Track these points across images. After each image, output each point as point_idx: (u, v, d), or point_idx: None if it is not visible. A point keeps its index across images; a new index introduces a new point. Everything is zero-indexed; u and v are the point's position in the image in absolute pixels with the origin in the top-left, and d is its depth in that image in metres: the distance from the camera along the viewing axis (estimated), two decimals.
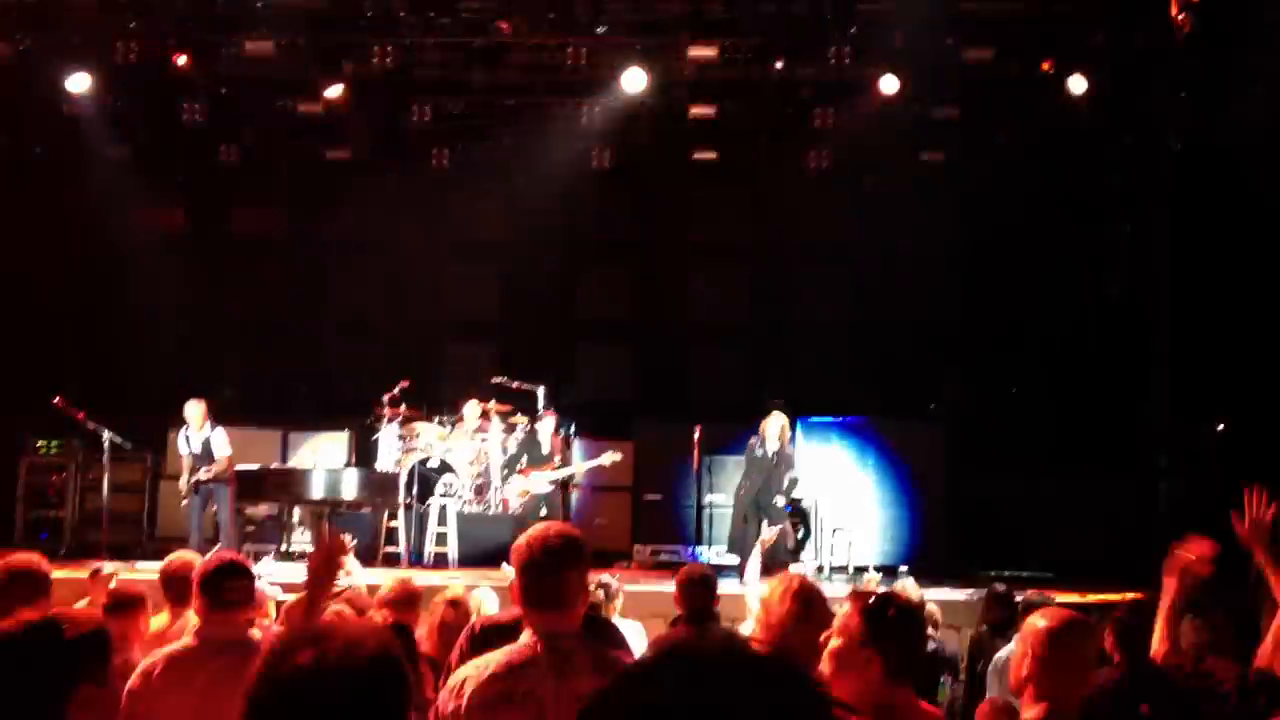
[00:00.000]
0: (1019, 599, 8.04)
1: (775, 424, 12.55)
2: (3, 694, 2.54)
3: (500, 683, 3.34)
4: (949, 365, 15.59)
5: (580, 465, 13.59)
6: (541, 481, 13.02)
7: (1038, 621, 3.67)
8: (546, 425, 13.31)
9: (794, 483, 12.88)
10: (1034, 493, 14.24)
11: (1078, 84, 13.48)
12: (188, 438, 12.58)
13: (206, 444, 12.50)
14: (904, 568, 12.44)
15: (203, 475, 12.40)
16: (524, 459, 13.25)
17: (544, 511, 12.59)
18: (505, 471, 13.53)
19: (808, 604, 3.81)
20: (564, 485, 13.42)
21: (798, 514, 13.45)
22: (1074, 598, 10.01)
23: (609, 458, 13.42)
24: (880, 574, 10.42)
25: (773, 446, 12.51)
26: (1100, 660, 4.56)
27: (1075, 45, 13.56)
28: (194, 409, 12.56)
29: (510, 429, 13.79)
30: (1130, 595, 8.94)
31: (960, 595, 10.56)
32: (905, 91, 14.04)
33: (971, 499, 14.54)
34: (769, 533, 12.21)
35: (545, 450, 13.21)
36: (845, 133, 14.65)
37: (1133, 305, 15.08)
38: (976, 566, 13.15)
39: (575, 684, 3.31)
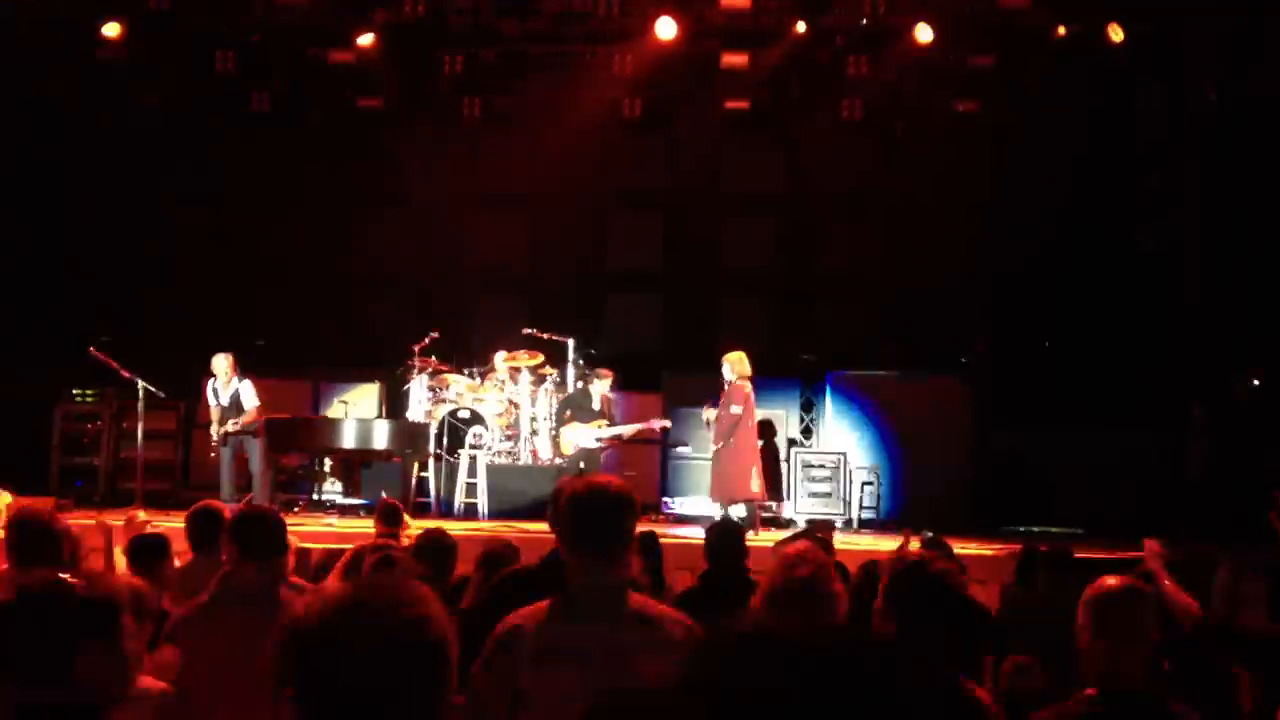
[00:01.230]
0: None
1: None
2: (16, 648, 2.62)
3: (550, 634, 3.35)
4: (980, 319, 15.48)
5: (629, 427, 13.54)
6: (589, 437, 13.06)
7: (1097, 587, 3.65)
8: (602, 384, 13.31)
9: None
10: (1064, 448, 14.15)
11: (1115, 33, 13.30)
12: (216, 389, 12.66)
13: (235, 395, 12.58)
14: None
15: (231, 426, 12.49)
16: (569, 411, 13.28)
17: (582, 465, 12.64)
18: (548, 424, 13.54)
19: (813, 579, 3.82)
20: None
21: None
22: (1101, 554, 9.98)
23: (659, 423, 13.45)
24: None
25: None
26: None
27: None
28: (221, 362, 12.63)
29: (539, 380, 13.81)
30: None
31: (988, 550, 10.53)
32: (940, 40, 13.91)
33: (1001, 454, 14.47)
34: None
35: (595, 406, 13.24)
36: (878, 82, 14.53)
37: (1166, 257, 14.92)
38: (1005, 521, 13.13)
39: (622, 635, 3.33)
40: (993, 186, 15.46)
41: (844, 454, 13.97)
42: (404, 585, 1.90)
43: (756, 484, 12.00)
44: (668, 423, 13.55)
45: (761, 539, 10.25)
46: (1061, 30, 13.84)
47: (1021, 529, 12.88)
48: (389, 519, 8.02)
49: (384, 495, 9.55)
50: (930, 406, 14.49)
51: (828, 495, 13.80)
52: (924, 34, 13.73)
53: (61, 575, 2.90)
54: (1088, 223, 15.11)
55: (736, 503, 12.01)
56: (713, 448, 12.27)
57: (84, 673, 2.66)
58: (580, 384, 13.74)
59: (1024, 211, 15.17)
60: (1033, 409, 14.53)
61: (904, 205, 15.96)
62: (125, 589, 2.96)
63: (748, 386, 12.11)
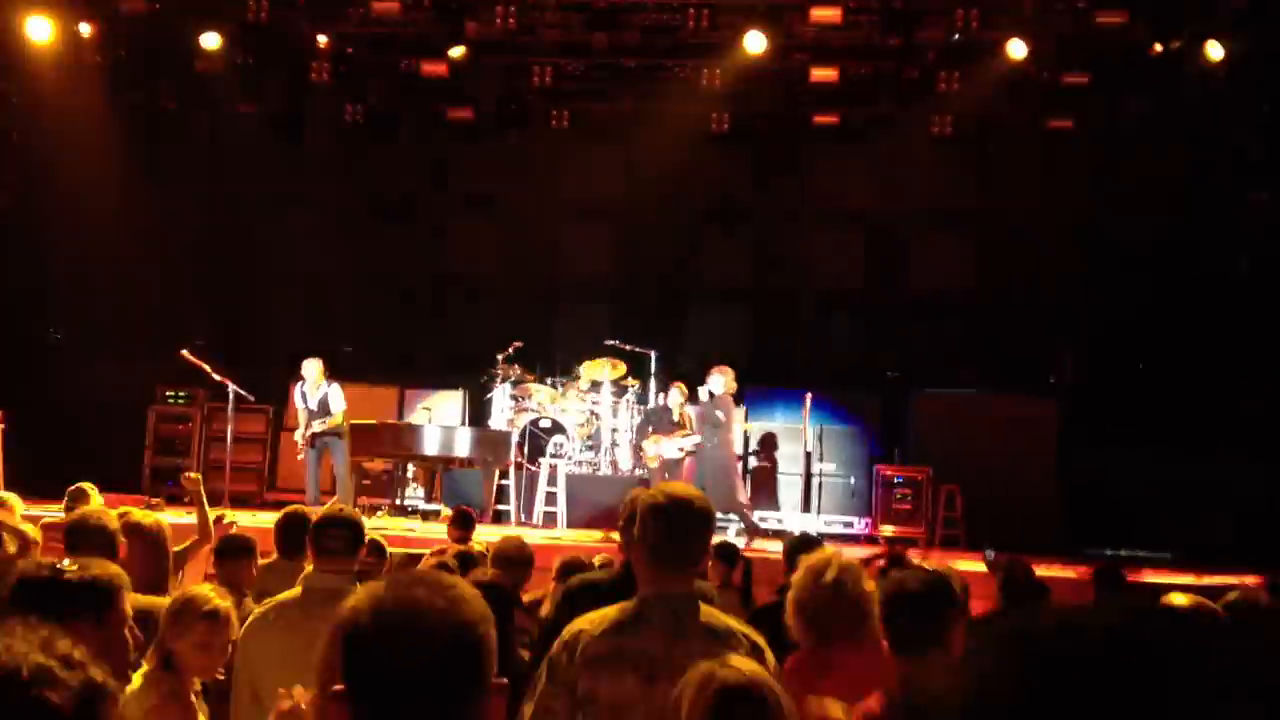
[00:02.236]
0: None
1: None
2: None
3: (613, 639, 3.36)
4: (1069, 338, 15.24)
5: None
6: (672, 448, 13.07)
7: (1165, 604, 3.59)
8: (676, 395, 13.33)
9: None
10: (1153, 472, 13.83)
11: (1213, 50, 13.05)
12: (304, 393, 12.85)
13: (324, 399, 12.76)
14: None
15: (317, 427, 12.67)
16: (650, 425, 13.30)
17: (666, 476, 12.65)
18: (629, 435, 13.57)
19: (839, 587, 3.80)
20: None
21: None
22: (1189, 579, 9.78)
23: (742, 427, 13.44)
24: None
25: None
26: None
27: (1212, 10, 13.10)
28: (312, 366, 12.82)
29: (621, 391, 13.84)
30: (1251, 578, 8.69)
31: (1070, 573, 10.35)
32: (1033, 56, 13.74)
33: (1088, 475, 14.19)
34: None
35: (675, 418, 13.25)
36: (970, 98, 14.39)
37: (1264, 279, 14.56)
38: (1090, 544, 12.90)
39: (687, 646, 3.30)
40: (1086, 205, 15.22)
41: (927, 472, 13.81)
42: (447, 582, 1.93)
43: (744, 494, 12.40)
44: (749, 425, 13.47)
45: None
46: (1158, 47, 13.61)
47: (1107, 552, 12.64)
48: (462, 524, 8.13)
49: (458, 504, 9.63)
50: (1016, 425, 14.24)
51: (910, 513, 13.66)
52: (1017, 50, 13.58)
53: (62, 562, 3.02)
54: (1184, 243, 14.78)
55: (729, 514, 12.19)
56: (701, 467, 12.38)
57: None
58: (657, 398, 13.75)
59: (1118, 231, 14.92)
60: (1123, 431, 14.26)
61: (994, 222, 15.78)
62: (120, 575, 3.06)
63: (730, 401, 12.53)
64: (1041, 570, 9.12)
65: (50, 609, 2.72)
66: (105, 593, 2.95)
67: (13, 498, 8.27)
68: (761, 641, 3.43)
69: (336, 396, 12.76)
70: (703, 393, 12.55)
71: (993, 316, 15.46)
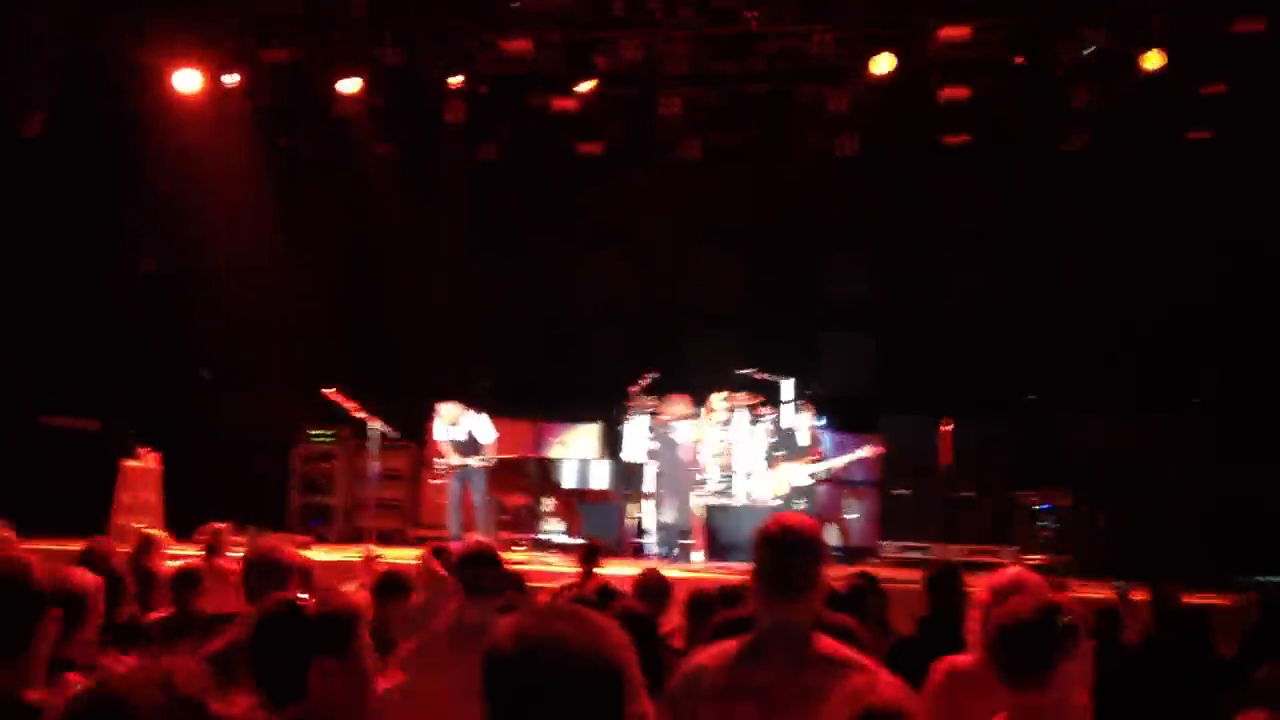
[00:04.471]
0: None
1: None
2: (256, 662, 2.76)
3: (732, 673, 3.38)
4: (1210, 357, 14.75)
5: (839, 459, 13.48)
6: (801, 474, 13.01)
7: None
8: (804, 418, 13.28)
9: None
10: None
11: None
12: (449, 428, 13.03)
13: (469, 434, 12.92)
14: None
15: (474, 462, 12.78)
16: (778, 452, 13.25)
17: (802, 504, 12.56)
18: (765, 465, 13.55)
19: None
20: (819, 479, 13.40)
21: None
22: None
23: (869, 449, 13.30)
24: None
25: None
26: None
27: None
28: (449, 410, 12.99)
29: (756, 419, 13.80)
30: None
31: (1219, 600, 9.99)
32: (1169, 67, 13.42)
33: (1233, 499, 13.71)
34: None
35: (802, 442, 13.20)
36: (1104, 112, 14.09)
37: None
38: (1239, 569, 12.44)
39: (804, 677, 3.31)
40: (1227, 218, 14.73)
41: (1070, 497, 13.46)
42: (588, 614, 1.97)
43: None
44: (880, 448, 13.33)
45: None
46: None
47: (1259, 578, 12.19)
48: (588, 558, 8.25)
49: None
50: (1159, 446, 13.86)
51: (1052, 540, 13.33)
52: (1152, 61, 13.28)
53: (298, 597, 3.02)
54: None
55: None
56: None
57: (319, 690, 2.76)
58: (778, 421, 13.72)
59: (1259, 243, 14.42)
60: (1270, 450, 13.75)
61: (1130, 239, 15.38)
62: (362, 610, 3.05)
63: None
64: (1190, 597, 8.84)
65: (296, 649, 2.80)
66: (349, 626, 2.94)
67: (159, 533, 8.60)
68: (880, 674, 3.40)
69: (483, 428, 12.91)
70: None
71: (1133, 335, 15.06)
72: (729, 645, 3.47)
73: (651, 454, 13.64)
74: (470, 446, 12.88)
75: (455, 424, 12.94)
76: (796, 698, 3.26)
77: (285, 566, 4.64)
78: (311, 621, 2.87)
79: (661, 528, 13.45)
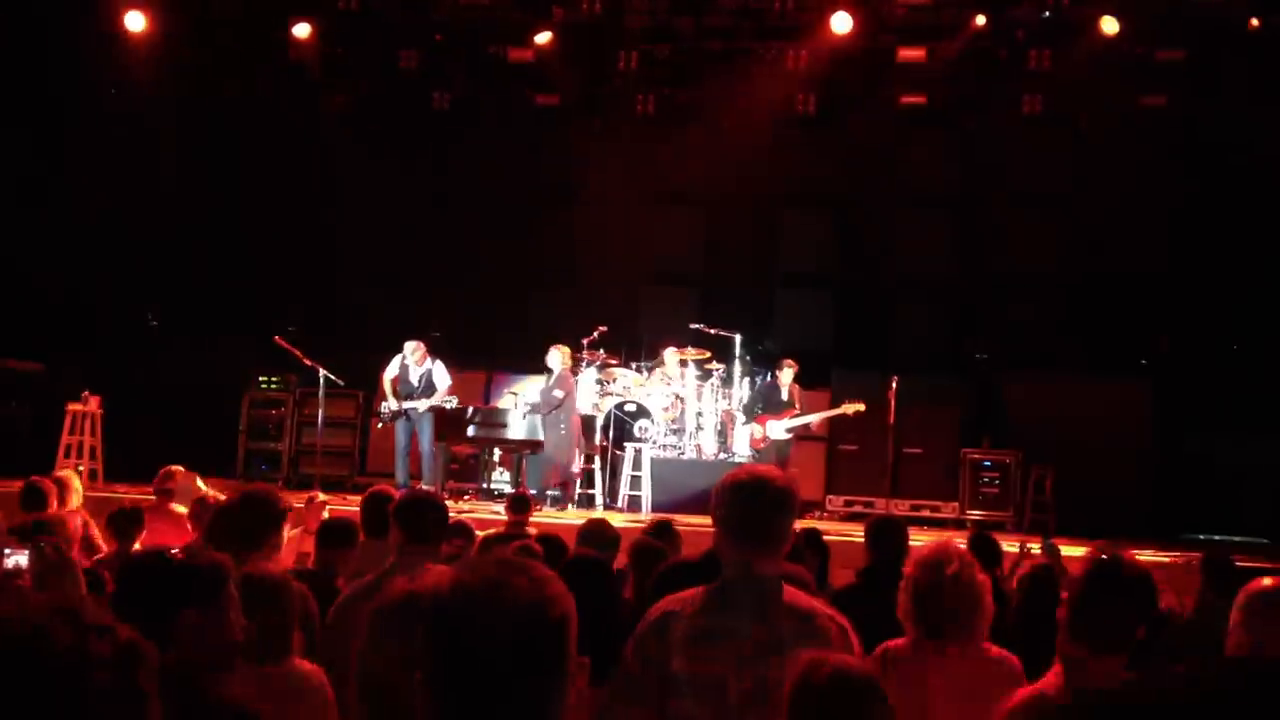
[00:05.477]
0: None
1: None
2: (123, 611, 2.79)
3: (703, 623, 3.36)
4: (1163, 320, 14.90)
5: (817, 415, 13.55)
6: (779, 429, 13.09)
7: (1253, 587, 3.53)
8: (787, 374, 13.37)
9: None
10: (1250, 455, 13.52)
11: None
12: (407, 365, 12.93)
13: (427, 376, 12.87)
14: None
15: (429, 403, 12.70)
16: (759, 406, 13.34)
17: (773, 458, 12.63)
18: (714, 419, 13.59)
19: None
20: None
21: None
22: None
23: (850, 407, 13.33)
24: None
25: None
26: None
27: None
28: (415, 349, 12.93)
29: (706, 375, 13.83)
30: None
31: (1164, 557, 10.15)
32: (1126, 33, 13.47)
33: (1181, 458, 13.91)
34: None
35: (784, 397, 13.28)
36: (1060, 76, 14.14)
37: None
38: (1185, 529, 12.64)
39: (774, 627, 3.32)
40: (1180, 184, 14.83)
41: (1017, 456, 13.62)
42: (527, 565, 1.95)
43: (578, 464, 13.05)
44: (861, 405, 13.36)
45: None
46: (1255, 22, 13.27)
47: (1202, 536, 12.39)
48: (518, 508, 8.22)
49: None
50: (1108, 408, 13.98)
51: (997, 497, 13.51)
52: (1109, 26, 13.33)
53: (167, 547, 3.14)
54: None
55: (561, 484, 12.87)
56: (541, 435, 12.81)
57: (184, 640, 2.81)
58: (766, 377, 13.87)
59: (1213, 209, 14.55)
60: (1219, 413, 13.94)
61: (1085, 202, 15.46)
62: (229, 565, 3.11)
63: (570, 376, 13.02)
64: (1138, 555, 8.95)
65: (162, 599, 2.84)
66: (216, 580, 3.02)
67: (71, 475, 8.55)
68: (847, 625, 3.43)
69: (441, 372, 12.88)
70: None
71: (1085, 298, 15.16)
72: (695, 593, 3.43)
73: (596, 406, 13.71)
74: (427, 389, 12.81)
75: (421, 364, 12.87)
76: (768, 647, 3.26)
77: (279, 510, 4.66)
78: (178, 573, 2.95)
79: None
